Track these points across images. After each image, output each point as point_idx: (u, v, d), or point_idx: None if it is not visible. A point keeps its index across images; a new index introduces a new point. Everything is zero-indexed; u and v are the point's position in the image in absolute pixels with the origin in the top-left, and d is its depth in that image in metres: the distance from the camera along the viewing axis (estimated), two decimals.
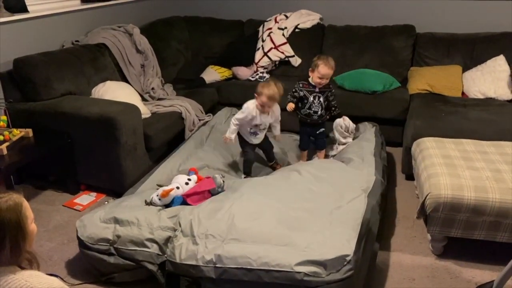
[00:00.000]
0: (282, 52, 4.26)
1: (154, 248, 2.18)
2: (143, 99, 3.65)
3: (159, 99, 3.71)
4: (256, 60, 4.27)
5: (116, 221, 2.30)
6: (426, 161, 2.65)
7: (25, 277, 1.46)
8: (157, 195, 2.49)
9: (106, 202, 3.04)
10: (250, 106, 2.98)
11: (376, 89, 3.78)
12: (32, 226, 1.54)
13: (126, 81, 3.71)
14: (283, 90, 2.96)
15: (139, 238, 2.20)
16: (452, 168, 2.51)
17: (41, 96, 3.12)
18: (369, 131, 3.39)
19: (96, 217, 2.36)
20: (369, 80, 3.84)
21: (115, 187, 3.09)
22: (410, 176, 3.25)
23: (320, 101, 3.15)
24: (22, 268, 1.50)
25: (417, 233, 2.70)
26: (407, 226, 2.78)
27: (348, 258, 1.94)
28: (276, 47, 4.26)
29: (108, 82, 3.38)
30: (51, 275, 1.68)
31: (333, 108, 3.23)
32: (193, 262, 2.06)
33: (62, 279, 2.30)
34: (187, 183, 2.60)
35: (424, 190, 2.43)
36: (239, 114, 2.99)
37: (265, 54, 4.25)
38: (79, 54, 3.42)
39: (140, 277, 2.26)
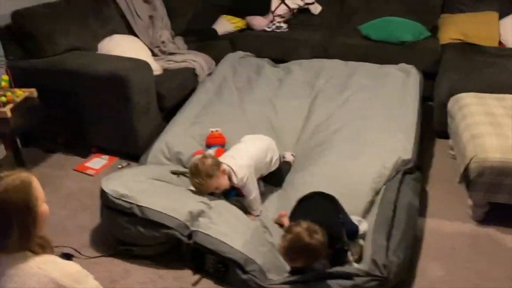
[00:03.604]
0: None
1: (184, 218, 2.02)
2: (153, 54, 3.39)
3: (170, 53, 3.45)
4: (273, 8, 3.95)
5: (144, 191, 2.14)
6: (468, 119, 2.42)
7: (39, 263, 1.30)
8: None
9: (119, 166, 2.88)
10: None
11: (405, 39, 3.48)
12: (43, 207, 1.35)
13: (134, 34, 3.43)
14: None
15: (171, 203, 2.08)
16: (498, 128, 2.29)
17: (44, 52, 2.88)
18: (413, 75, 3.14)
19: (125, 175, 2.26)
20: (397, 29, 3.53)
21: (128, 149, 2.91)
22: (442, 134, 3.02)
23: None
24: (34, 253, 1.33)
25: (454, 197, 2.51)
26: (442, 189, 2.59)
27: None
28: None
29: (115, 36, 3.12)
30: (65, 255, 1.54)
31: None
32: (227, 242, 1.94)
33: (77, 250, 2.17)
34: None
35: (468, 153, 2.22)
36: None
37: (282, 1, 3.93)
38: (82, 5, 3.14)
39: (159, 252, 2.11)
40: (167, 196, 2.16)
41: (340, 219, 1.93)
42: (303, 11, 4.02)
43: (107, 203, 2.13)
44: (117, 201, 2.09)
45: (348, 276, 1.82)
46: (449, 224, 2.32)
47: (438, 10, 3.83)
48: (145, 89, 2.78)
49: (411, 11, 3.79)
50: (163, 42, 3.46)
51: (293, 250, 1.75)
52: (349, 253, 1.94)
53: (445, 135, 2.96)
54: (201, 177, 2.13)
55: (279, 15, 3.95)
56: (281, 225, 2.18)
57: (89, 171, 2.83)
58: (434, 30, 3.74)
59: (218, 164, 2.15)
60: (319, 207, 1.95)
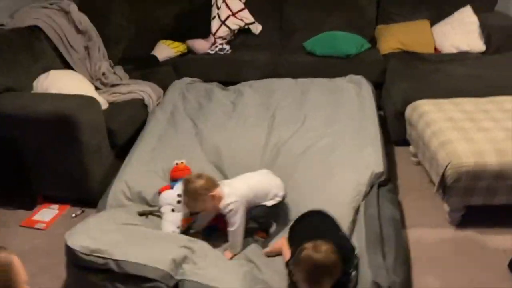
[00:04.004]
0: (241, 19, 3.87)
1: (168, 267, 1.81)
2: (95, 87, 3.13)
3: (113, 85, 3.21)
4: (213, 30, 3.84)
5: (118, 242, 1.90)
6: (432, 126, 2.47)
7: None
8: (178, 227, 2.16)
9: (73, 215, 2.59)
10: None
11: (350, 52, 3.54)
12: None
13: (70, 68, 3.16)
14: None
15: (151, 252, 1.86)
16: (463, 132, 2.35)
17: None
18: (365, 86, 3.16)
19: (91, 226, 2.01)
20: (341, 43, 3.58)
21: (81, 194, 2.64)
22: (400, 142, 3.07)
23: None
24: None
25: (427, 204, 2.54)
26: (412, 197, 2.61)
27: None
28: (233, 14, 3.85)
29: (52, 72, 2.83)
30: None
31: None
32: (221, 286, 1.74)
33: None
34: (179, 201, 2.23)
35: (441, 160, 2.25)
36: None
37: (223, 23, 3.83)
38: (9, 40, 2.82)
39: None
40: (144, 244, 1.95)
41: (341, 233, 1.86)
42: (244, 31, 3.95)
43: (76, 262, 1.87)
44: (88, 258, 1.84)
45: None
46: (429, 232, 2.34)
47: (373, 22, 3.95)
48: (95, 127, 2.54)
49: (349, 24, 3.86)
50: (103, 74, 3.21)
51: (313, 275, 1.60)
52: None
53: (402, 143, 3.03)
54: (187, 197, 2.01)
55: (221, 37, 3.84)
56: (278, 254, 2.03)
57: (39, 225, 2.51)
58: (372, 41, 3.85)
59: (209, 188, 1.99)
60: (320, 223, 1.88)
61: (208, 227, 2.18)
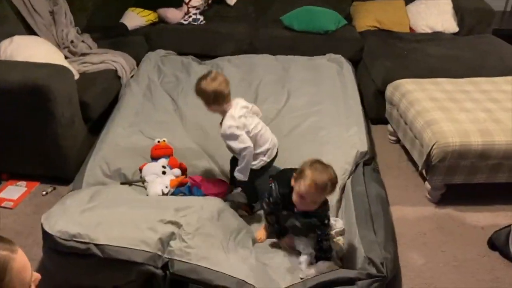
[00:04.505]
0: None
1: (155, 247, 1.73)
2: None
3: (82, 54, 3.00)
4: None
5: (99, 223, 1.78)
6: (416, 106, 2.48)
7: None
8: (166, 187, 2.11)
9: (44, 193, 2.43)
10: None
11: (329, 29, 3.50)
12: None
13: (34, 34, 2.91)
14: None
15: (136, 232, 1.76)
16: (446, 112, 2.38)
17: None
18: (346, 65, 3.14)
19: (70, 207, 1.87)
20: (320, 18, 3.53)
21: (53, 171, 2.49)
22: (377, 120, 3.09)
23: (296, 224, 1.89)
24: None
25: (407, 182, 2.59)
26: (392, 175, 2.64)
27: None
28: None
29: (16, 38, 2.60)
30: None
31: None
32: (211, 266, 1.69)
33: None
34: (164, 172, 2.19)
35: (427, 139, 2.27)
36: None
37: None
38: None
39: None
40: (128, 223, 1.84)
41: None
42: (218, 1, 3.81)
43: (55, 247, 1.75)
44: (68, 243, 1.72)
45: (350, 281, 1.74)
46: (411, 210, 2.38)
47: None
48: (69, 99, 2.37)
49: (326, 0, 3.81)
50: (72, 41, 2.99)
51: (319, 177, 1.67)
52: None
53: (378, 121, 3.06)
54: (196, 90, 2.00)
55: (194, 7, 3.68)
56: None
57: (7, 203, 2.34)
58: (347, 18, 3.81)
59: (216, 100, 1.97)
60: None
61: (195, 187, 2.15)
